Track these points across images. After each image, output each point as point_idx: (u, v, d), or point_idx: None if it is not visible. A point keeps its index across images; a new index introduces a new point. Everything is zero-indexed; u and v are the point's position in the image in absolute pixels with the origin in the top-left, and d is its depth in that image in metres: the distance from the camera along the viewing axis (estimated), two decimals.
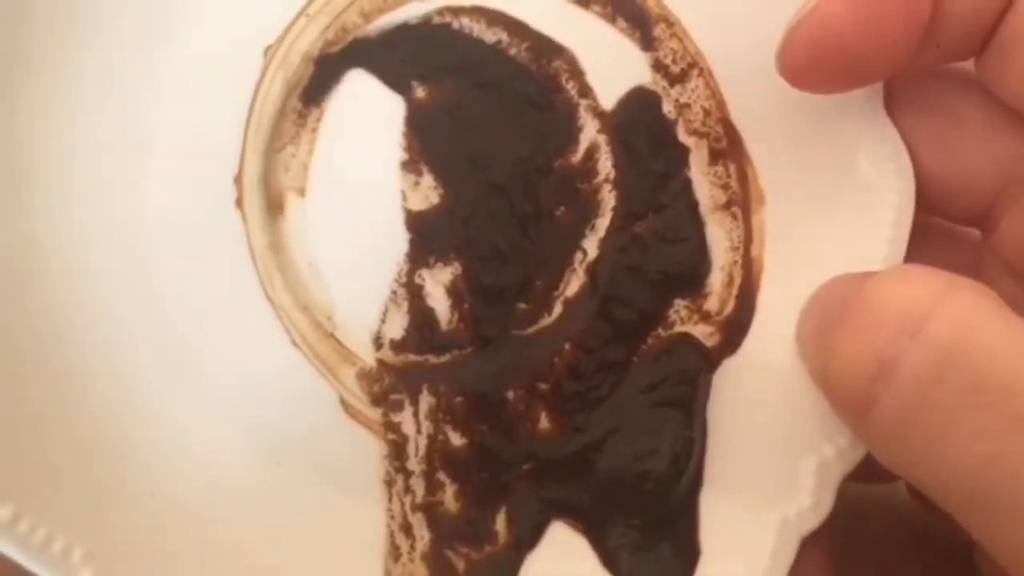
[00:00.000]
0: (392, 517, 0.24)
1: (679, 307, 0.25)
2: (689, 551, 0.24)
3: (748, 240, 0.25)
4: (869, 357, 0.19)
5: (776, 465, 0.24)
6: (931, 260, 0.24)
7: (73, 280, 0.24)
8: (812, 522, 0.23)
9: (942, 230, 0.25)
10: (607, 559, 0.24)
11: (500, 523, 0.25)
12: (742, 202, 0.25)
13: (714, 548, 0.24)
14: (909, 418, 0.19)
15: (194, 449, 0.24)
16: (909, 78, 0.23)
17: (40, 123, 0.24)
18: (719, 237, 0.25)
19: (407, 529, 0.24)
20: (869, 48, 0.21)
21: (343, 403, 0.25)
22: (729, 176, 0.25)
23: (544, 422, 0.25)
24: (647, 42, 0.25)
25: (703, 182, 0.25)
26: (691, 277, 0.25)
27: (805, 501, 0.23)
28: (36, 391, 0.23)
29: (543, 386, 0.25)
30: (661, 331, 0.25)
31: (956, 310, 0.18)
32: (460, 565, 0.24)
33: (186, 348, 0.24)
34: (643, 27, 0.25)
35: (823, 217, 0.24)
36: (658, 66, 0.25)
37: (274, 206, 0.25)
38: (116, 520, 0.23)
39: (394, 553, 0.24)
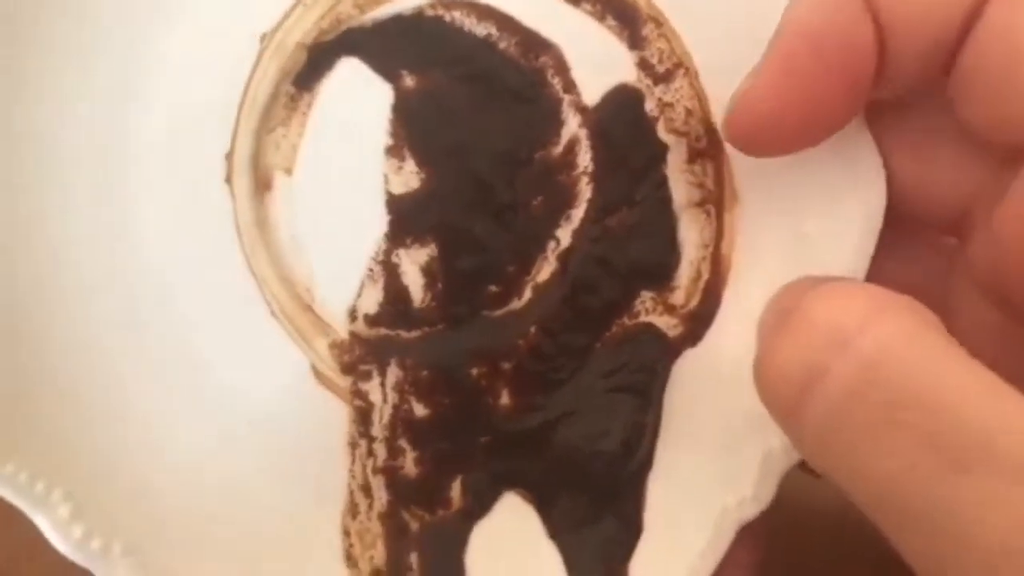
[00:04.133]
0: (353, 477, 0.26)
1: (645, 298, 0.26)
2: (631, 529, 0.25)
3: (719, 237, 0.26)
4: (799, 365, 0.19)
5: (723, 454, 0.24)
6: (905, 264, 0.24)
7: (57, 245, 0.25)
8: (751, 511, 0.24)
9: (918, 235, 0.25)
10: (553, 530, 0.25)
11: (455, 490, 0.26)
12: (716, 201, 0.26)
13: (656, 528, 0.25)
14: (832, 428, 0.19)
15: (168, 411, 0.25)
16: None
17: (33, 100, 0.25)
18: (691, 233, 0.26)
19: (367, 489, 0.26)
20: (809, 117, 0.22)
21: (315, 370, 0.26)
22: (705, 175, 0.26)
23: (504, 399, 0.26)
24: (635, 41, 0.26)
25: (679, 179, 0.26)
26: (659, 270, 0.26)
27: (746, 491, 0.24)
28: (18, 361, 0.25)
29: (506, 365, 0.26)
30: (626, 320, 0.26)
31: (886, 327, 0.19)
32: (414, 526, 0.26)
33: (168, 316, 0.26)
34: (632, 26, 0.26)
35: (793, 220, 0.25)
36: (644, 65, 0.26)
37: (262, 183, 0.26)
38: (91, 470, 0.24)
39: (352, 510, 0.26)
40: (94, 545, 0.23)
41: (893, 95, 0.23)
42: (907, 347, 0.18)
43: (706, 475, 0.24)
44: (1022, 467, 0.17)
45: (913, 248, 0.25)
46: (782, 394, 0.20)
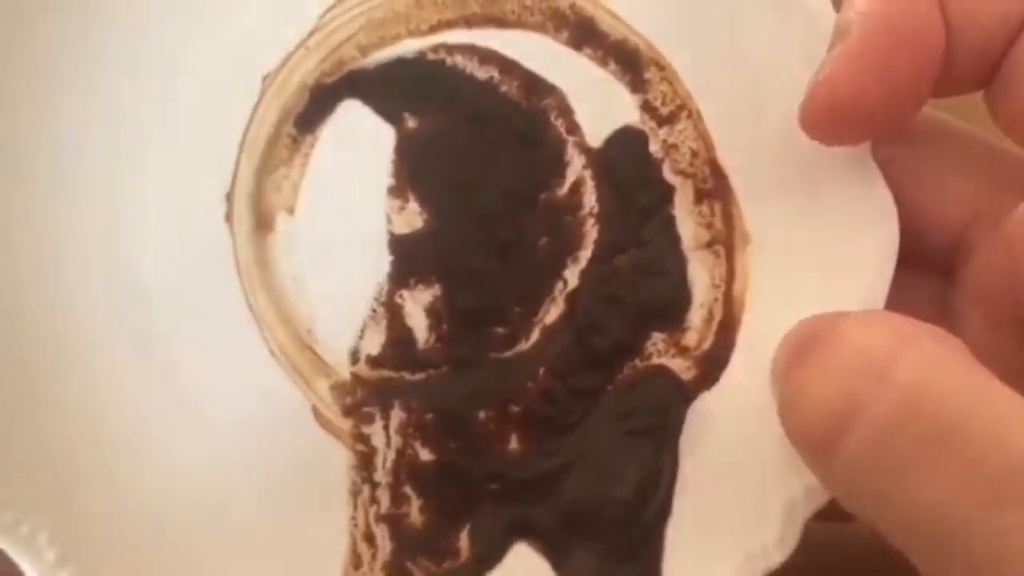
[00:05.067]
0: (355, 525, 0.24)
1: (656, 340, 0.25)
2: None
3: (730, 278, 0.25)
4: (835, 399, 0.19)
5: (745, 500, 0.23)
6: (900, 292, 0.24)
7: (59, 279, 0.25)
8: (776, 558, 0.23)
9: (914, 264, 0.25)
10: None
11: (463, 540, 0.24)
12: (726, 241, 0.26)
13: None
14: (870, 462, 0.19)
15: (164, 449, 0.24)
16: None
17: (38, 129, 0.25)
18: (701, 274, 0.26)
19: (370, 538, 0.24)
20: (885, 101, 0.22)
21: (315, 412, 0.25)
22: (713, 215, 0.26)
23: (514, 443, 0.25)
24: (637, 84, 0.26)
25: (687, 220, 0.26)
26: (670, 311, 0.25)
27: (770, 537, 0.23)
28: (11, 385, 0.24)
29: (515, 408, 0.25)
30: (638, 362, 0.25)
31: (919, 356, 0.19)
32: None
33: (165, 352, 0.25)
34: (634, 70, 0.26)
35: (806, 259, 0.25)
36: (647, 107, 0.26)
37: (263, 223, 0.25)
38: (82, 509, 0.23)
39: (355, 561, 0.24)
40: None
41: (937, 96, 0.23)
42: (942, 376, 0.18)
43: (727, 522, 0.23)
44: None
45: (909, 276, 0.25)
46: (817, 429, 0.20)
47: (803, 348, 0.21)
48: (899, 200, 0.23)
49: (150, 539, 0.24)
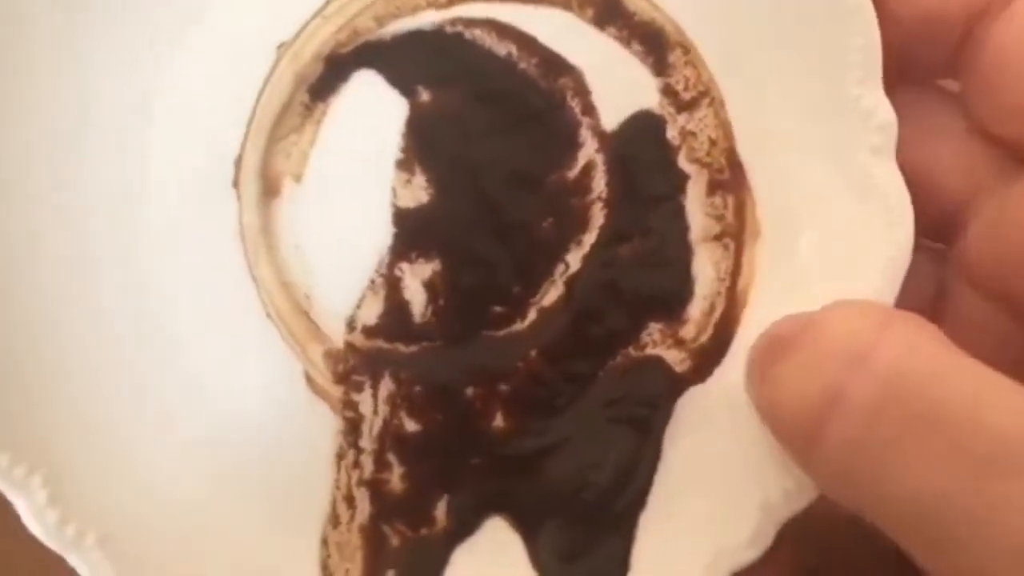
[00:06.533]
0: (338, 488, 0.25)
1: (653, 330, 0.25)
2: (618, 567, 0.24)
3: (736, 272, 0.25)
4: (815, 390, 0.19)
5: (721, 497, 0.23)
6: None
7: (61, 231, 0.25)
8: (745, 559, 0.23)
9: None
10: (537, 560, 0.24)
11: (440, 509, 0.25)
12: (736, 235, 0.25)
13: (643, 568, 0.24)
14: (855, 449, 0.19)
15: (158, 399, 0.25)
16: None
17: (46, 93, 0.25)
18: (706, 267, 0.25)
19: (350, 501, 0.25)
20: None
21: (307, 377, 0.25)
22: (726, 208, 0.25)
23: (499, 421, 0.25)
24: (660, 67, 0.26)
25: (697, 211, 0.25)
26: (670, 302, 0.25)
27: (742, 538, 0.23)
28: (11, 342, 0.24)
29: (504, 387, 0.25)
30: (632, 350, 0.25)
31: (897, 341, 0.19)
32: (394, 541, 0.25)
33: (162, 309, 0.25)
34: (658, 52, 0.26)
35: (817, 259, 0.24)
36: (668, 92, 0.26)
37: (270, 189, 0.26)
38: (74, 455, 0.24)
39: (334, 520, 0.25)
40: (68, 532, 0.23)
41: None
42: (921, 360, 0.19)
43: (702, 517, 0.23)
44: None
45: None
46: (799, 421, 0.20)
47: (779, 344, 0.21)
48: (900, 168, 0.23)
49: (139, 486, 0.24)
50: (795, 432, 0.20)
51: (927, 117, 0.24)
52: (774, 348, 0.21)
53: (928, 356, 0.19)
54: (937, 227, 0.24)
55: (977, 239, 0.23)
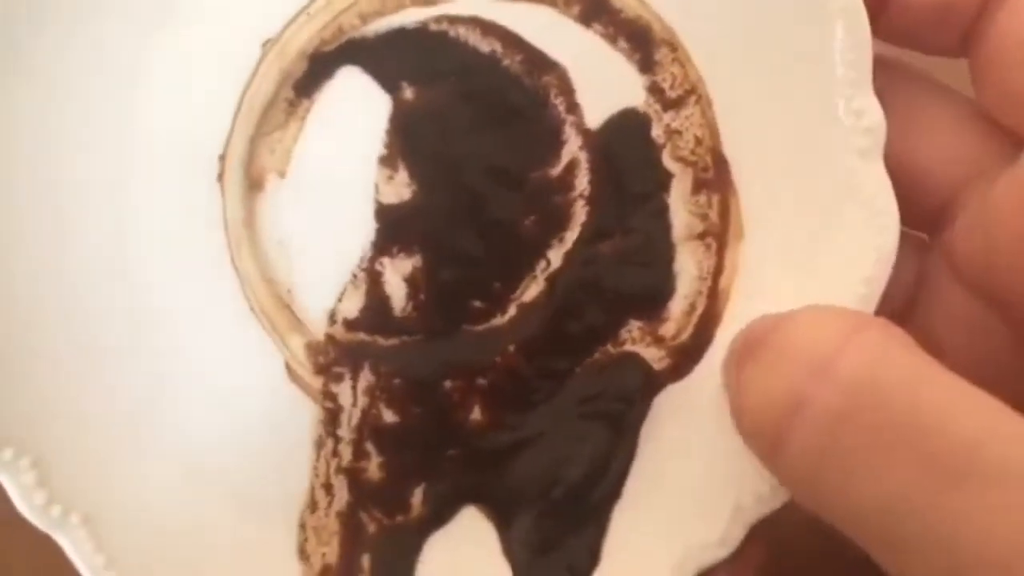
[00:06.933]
0: (316, 475, 0.25)
1: (633, 327, 0.25)
2: (588, 559, 0.24)
3: (718, 272, 0.25)
4: (779, 395, 0.19)
5: (694, 495, 0.23)
6: None
7: (46, 228, 0.25)
8: (713, 557, 0.23)
9: None
10: (509, 550, 0.25)
11: (416, 497, 0.25)
12: (719, 234, 0.25)
13: (615, 560, 0.24)
14: (818, 456, 0.19)
15: (142, 387, 0.25)
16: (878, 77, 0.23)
17: (39, 88, 0.25)
18: (688, 265, 0.25)
19: (328, 488, 0.25)
20: None
21: (288, 368, 0.26)
22: (710, 207, 0.25)
23: (476, 414, 0.25)
24: (646, 65, 0.26)
25: (681, 209, 0.25)
26: (650, 300, 0.25)
27: (712, 536, 0.23)
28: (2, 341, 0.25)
29: (482, 381, 0.25)
30: (610, 347, 0.25)
31: (863, 348, 0.19)
32: (370, 528, 0.25)
33: (147, 303, 0.26)
34: (644, 49, 0.26)
35: (801, 259, 0.24)
36: (654, 89, 0.26)
37: (254, 184, 0.26)
38: (59, 439, 0.25)
39: (312, 506, 0.25)
40: (54, 512, 0.24)
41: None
42: (886, 368, 0.18)
43: (675, 514, 0.24)
44: (1014, 471, 0.17)
45: None
46: (764, 425, 0.20)
47: (752, 345, 0.21)
48: (889, 158, 0.23)
49: (121, 470, 0.25)
50: (760, 436, 0.20)
51: (917, 108, 0.24)
52: (746, 348, 0.21)
53: (896, 365, 0.18)
54: (924, 218, 0.24)
55: (963, 231, 0.23)
